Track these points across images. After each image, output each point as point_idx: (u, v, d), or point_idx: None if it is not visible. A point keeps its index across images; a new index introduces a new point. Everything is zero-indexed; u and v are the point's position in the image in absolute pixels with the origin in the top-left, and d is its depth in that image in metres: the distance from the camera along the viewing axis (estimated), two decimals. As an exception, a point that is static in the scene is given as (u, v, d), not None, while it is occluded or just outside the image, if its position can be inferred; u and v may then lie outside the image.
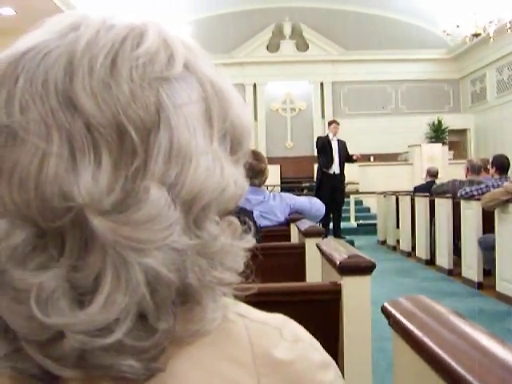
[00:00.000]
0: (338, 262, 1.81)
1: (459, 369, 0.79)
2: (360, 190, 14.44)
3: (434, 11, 15.90)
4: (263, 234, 3.07)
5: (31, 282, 0.48)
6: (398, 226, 10.24)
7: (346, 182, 11.09)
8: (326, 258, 2.05)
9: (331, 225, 10.41)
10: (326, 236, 3.10)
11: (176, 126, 0.52)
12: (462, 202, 7.00)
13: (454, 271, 7.47)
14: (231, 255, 0.57)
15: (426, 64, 17.79)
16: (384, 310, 1.17)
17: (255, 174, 3.71)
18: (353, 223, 13.19)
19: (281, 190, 13.25)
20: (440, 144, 15.36)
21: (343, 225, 11.43)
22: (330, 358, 0.63)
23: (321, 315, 1.84)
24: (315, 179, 11.50)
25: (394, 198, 10.59)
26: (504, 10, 13.34)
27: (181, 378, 0.54)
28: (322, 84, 17.89)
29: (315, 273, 2.74)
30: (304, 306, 1.81)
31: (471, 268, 6.77)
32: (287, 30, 17.69)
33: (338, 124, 10.91)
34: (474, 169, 7.86)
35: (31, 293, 0.48)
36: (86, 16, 0.56)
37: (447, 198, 7.64)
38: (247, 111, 0.63)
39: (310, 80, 17.74)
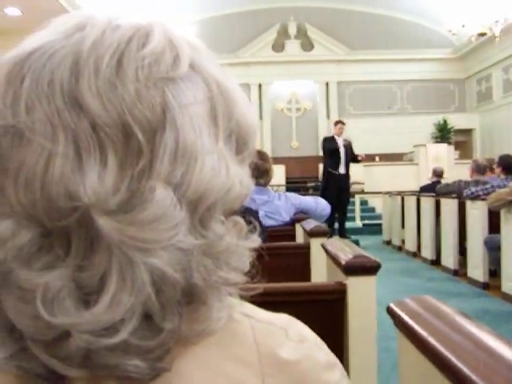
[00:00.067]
0: (344, 262, 1.81)
1: (465, 369, 0.79)
2: (365, 190, 14.42)
3: (439, 11, 15.86)
4: (268, 233, 3.07)
5: (37, 282, 0.48)
6: (403, 226, 10.21)
7: (351, 181, 11.08)
8: (331, 257, 2.04)
9: (336, 225, 10.40)
10: (331, 236, 3.10)
11: (182, 126, 0.52)
12: (468, 202, 6.98)
13: (460, 271, 7.45)
14: (237, 255, 0.57)
15: (431, 64, 17.76)
16: (390, 311, 1.17)
17: (260, 173, 3.71)
18: (358, 223, 13.17)
19: (286, 190, 13.23)
20: (446, 144, 15.31)
21: (348, 225, 11.42)
22: (336, 358, 0.63)
23: (326, 315, 1.84)
24: (321, 179, 11.49)
25: (399, 198, 10.57)
26: (510, 9, 13.31)
27: (186, 378, 0.54)
28: (327, 84, 17.87)
29: (320, 273, 2.74)
30: (309, 305, 1.81)
31: (477, 268, 6.75)
32: (292, 30, 17.68)
33: (344, 124, 10.90)
34: (479, 169, 7.83)
35: (37, 293, 0.48)
36: (91, 16, 0.56)
37: (453, 198, 7.62)
38: (253, 111, 0.63)
39: (316, 80, 17.73)
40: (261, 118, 17.32)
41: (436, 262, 8.31)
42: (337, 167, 10.42)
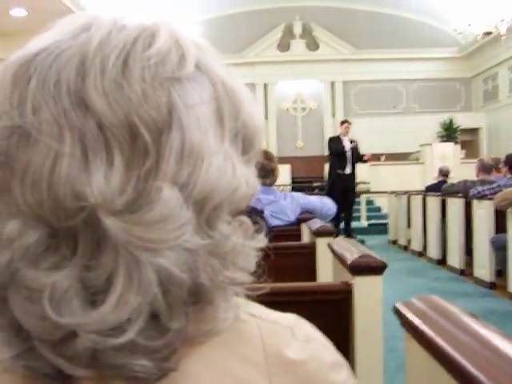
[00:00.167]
0: (350, 262, 1.81)
1: (472, 369, 0.78)
2: (371, 190, 14.39)
3: (445, 10, 15.82)
4: (274, 233, 3.07)
5: (44, 282, 0.49)
6: (409, 226, 10.19)
7: (356, 181, 11.07)
8: (338, 257, 2.04)
9: (342, 224, 10.39)
10: (336, 236, 3.10)
11: (188, 126, 0.52)
12: (474, 202, 6.96)
13: (466, 271, 7.43)
14: (243, 255, 0.57)
15: (437, 63, 17.72)
16: (396, 311, 1.17)
17: (266, 173, 3.70)
18: (364, 223, 13.16)
19: (291, 190, 13.22)
20: (452, 143, 15.27)
21: (354, 224, 11.41)
22: (342, 358, 0.63)
23: (332, 315, 1.84)
24: (327, 179, 11.47)
25: (405, 197, 10.55)
26: (516, 8, 13.28)
27: (192, 378, 0.54)
28: (332, 83, 17.86)
29: (326, 272, 2.74)
30: (315, 305, 1.81)
31: (483, 268, 6.73)
32: (297, 30, 17.68)
33: (350, 123, 10.87)
34: (485, 168, 7.81)
35: (44, 292, 0.48)
36: (97, 17, 0.56)
37: (459, 197, 7.60)
38: (258, 111, 0.63)
39: (321, 79, 17.72)
40: (266, 117, 17.32)
41: (442, 261, 8.30)
42: (343, 167, 10.40)
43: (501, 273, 6.59)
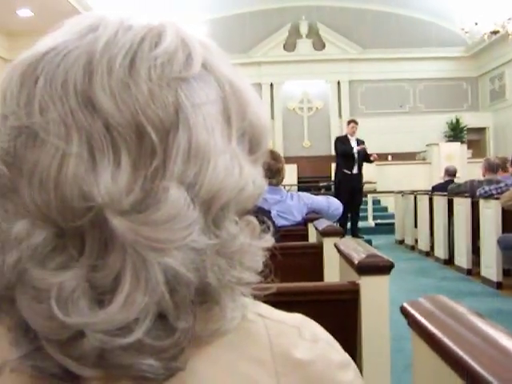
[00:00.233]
0: (356, 262, 1.81)
1: (479, 368, 0.78)
2: (378, 190, 14.38)
3: (451, 9, 15.78)
4: (281, 233, 3.07)
5: (51, 282, 0.49)
6: (415, 226, 10.18)
7: (363, 181, 11.04)
8: (344, 257, 2.04)
9: (349, 224, 10.37)
10: (343, 235, 3.10)
11: (194, 126, 0.52)
12: (481, 201, 6.94)
13: (473, 271, 7.41)
14: (250, 255, 0.57)
15: (444, 62, 17.67)
16: (403, 310, 1.17)
17: (273, 173, 3.70)
18: (370, 222, 13.14)
19: (298, 190, 13.21)
20: (458, 143, 15.25)
21: (361, 224, 11.38)
22: (350, 358, 0.63)
23: (339, 315, 1.84)
24: (333, 179, 11.45)
25: (412, 197, 10.53)
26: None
27: (200, 377, 0.54)
28: (339, 83, 17.84)
29: (333, 272, 2.73)
30: (322, 305, 1.81)
31: (490, 268, 6.70)
32: (304, 29, 17.67)
33: (357, 123, 10.80)
34: (491, 167, 7.78)
35: (51, 292, 0.48)
36: (104, 17, 0.57)
37: (466, 197, 7.57)
38: (265, 110, 0.63)
39: (327, 79, 17.71)
40: (272, 117, 17.31)
41: (449, 261, 8.28)
42: (350, 167, 10.36)
43: (508, 272, 6.57)
